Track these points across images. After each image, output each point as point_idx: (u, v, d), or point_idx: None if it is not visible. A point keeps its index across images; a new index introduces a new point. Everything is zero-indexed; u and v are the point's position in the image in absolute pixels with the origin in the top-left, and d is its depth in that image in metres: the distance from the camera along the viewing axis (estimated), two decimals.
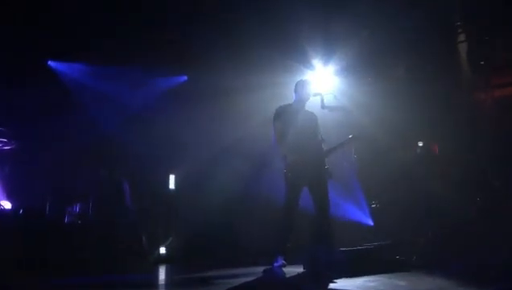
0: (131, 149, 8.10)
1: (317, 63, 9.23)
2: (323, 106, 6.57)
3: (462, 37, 9.59)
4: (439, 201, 8.49)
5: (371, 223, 8.85)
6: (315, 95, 6.69)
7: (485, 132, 9.30)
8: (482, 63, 9.46)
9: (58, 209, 7.85)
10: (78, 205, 7.86)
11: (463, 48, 9.59)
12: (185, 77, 9.41)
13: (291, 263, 6.26)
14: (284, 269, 6.16)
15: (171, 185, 8.54)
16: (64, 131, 7.92)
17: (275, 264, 6.28)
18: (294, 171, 6.42)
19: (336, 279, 5.06)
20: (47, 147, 7.95)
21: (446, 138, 9.42)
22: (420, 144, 9.81)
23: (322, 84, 8.78)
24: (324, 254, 5.73)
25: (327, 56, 9.24)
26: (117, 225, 7.60)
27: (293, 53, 8.84)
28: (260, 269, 6.14)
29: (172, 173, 8.53)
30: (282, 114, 6.59)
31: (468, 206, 8.23)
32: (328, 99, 6.62)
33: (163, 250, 8.11)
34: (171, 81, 9.21)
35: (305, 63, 9.07)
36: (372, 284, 4.61)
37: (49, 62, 8.52)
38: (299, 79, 6.92)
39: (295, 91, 6.77)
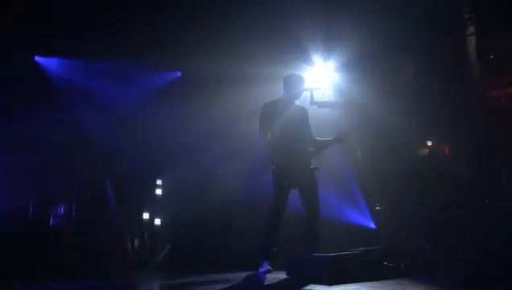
0: (117, 148, 7.86)
1: (316, 57, 8.91)
2: (312, 102, 6.24)
3: (471, 29, 9.16)
4: (444, 204, 8.22)
5: (373, 226, 8.49)
6: (305, 90, 6.37)
7: (497, 131, 8.86)
8: (492, 57, 9.03)
9: (42, 211, 7.62)
10: (62, 206, 7.64)
11: (472, 42, 9.17)
12: (178, 73, 9.10)
13: (277, 268, 5.96)
14: (268, 275, 5.86)
15: (158, 187, 8.22)
16: (47, 129, 7.68)
17: (260, 270, 6.01)
18: (281, 171, 6.12)
19: (316, 286, 4.82)
20: (30, 146, 7.72)
21: (456, 137, 9.07)
22: (429, 143, 9.52)
23: (317, 79, 8.51)
24: (308, 260, 5.40)
25: (327, 51, 8.91)
26: (101, 227, 7.39)
27: (290, 46, 8.50)
28: (244, 274, 5.89)
29: (160, 173, 8.23)
30: (270, 111, 6.31)
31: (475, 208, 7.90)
32: (318, 94, 6.24)
33: (147, 254, 7.80)
34: (163, 78, 8.92)
35: (303, 57, 8.76)
36: None
37: (36, 58, 8.28)
38: (289, 73, 6.59)
39: (285, 85, 6.46)
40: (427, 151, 9.59)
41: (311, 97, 6.30)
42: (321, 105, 6.34)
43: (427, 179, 8.94)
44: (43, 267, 6.96)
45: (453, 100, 9.04)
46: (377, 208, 9.05)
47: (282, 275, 5.62)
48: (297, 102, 6.48)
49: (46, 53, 8.28)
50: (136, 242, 7.63)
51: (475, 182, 8.52)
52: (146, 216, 7.98)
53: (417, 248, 6.33)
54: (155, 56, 8.46)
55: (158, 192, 8.21)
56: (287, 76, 6.48)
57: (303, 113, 6.46)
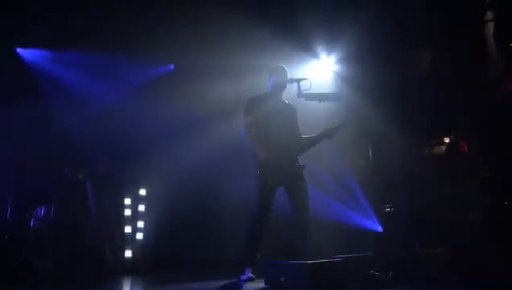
0: (96, 145, 7.72)
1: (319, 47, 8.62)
2: (299, 94, 5.91)
3: (489, 15, 8.68)
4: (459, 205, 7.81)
5: (380, 229, 8.09)
6: (291, 82, 6.05)
7: None
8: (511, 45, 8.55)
9: (21, 213, 7.46)
10: (43, 207, 7.46)
11: (490, 29, 8.68)
12: (172, 66, 8.84)
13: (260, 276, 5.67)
14: (247, 284, 5.61)
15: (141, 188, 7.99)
16: (24, 126, 7.52)
17: (242, 277, 5.78)
18: (266, 170, 5.80)
19: None
20: (6, 143, 7.52)
21: (475, 133, 8.63)
22: (447, 140, 9.09)
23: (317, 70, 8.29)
24: (285, 267, 5.07)
25: (331, 40, 8.58)
26: (80, 230, 7.25)
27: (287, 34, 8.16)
28: (224, 282, 5.76)
29: (144, 173, 7.97)
30: (255, 105, 6.05)
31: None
32: (305, 85, 5.89)
33: (127, 258, 7.53)
34: (153, 71, 8.63)
35: (305, 48, 8.47)
36: None
37: (17, 49, 8.09)
38: (274, 65, 6.32)
39: (270, 78, 6.22)
40: (444, 148, 9.21)
41: (299, 88, 5.90)
42: (309, 97, 5.94)
43: (443, 178, 8.58)
44: (23, 273, 6.79)
45: (472, 92, 8.61)
46: (386, 209, 8.71)
47: (261, 284, 5.36)
48: (285, 98, 6.23)
49: (27, 44, 8.03)
50: (114, 246, 7.38)
51: (494, 182, 8.06)
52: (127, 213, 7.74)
53: (410, 254, 5.90)
54: (146, 48, 8.15)
55: (142, 192, 7.93)
56: (271, 68, 6.27)
57: (290, 110, 6.24)
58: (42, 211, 7.49)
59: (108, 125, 7.72)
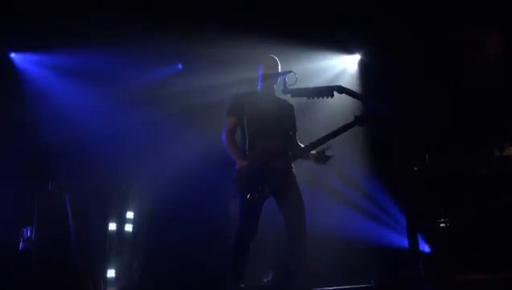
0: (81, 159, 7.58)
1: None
2: (285, 90, 5.28)
3: None
4: None
5: (427, 249, 7.37)
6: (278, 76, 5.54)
7: None
8: None
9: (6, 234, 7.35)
10: (29, 227, 7.31)
11: None
12: (179, 66, 8.56)
13: None
14: None
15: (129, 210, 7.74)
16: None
17: None
18: (245, 184, 5.23)
19: None
20: None
21: None
22: None
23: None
24: None
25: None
26: (61, 253, 7.11)
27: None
28: None
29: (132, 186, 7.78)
30: (242, 102, 5.55)
31: None
32: (291, 80, 5.27)
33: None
34: (159, 72, 8.35)
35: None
36: None
37: (11, 54, 8.03)
38: (261, 56, 5.84)
39: (260, 72, 5.71)
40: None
41: (284, 83, 5.28)
42: (296, 93, 5.28)
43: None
44: None
45: None
46: (441, 225, 7.92)
47: None
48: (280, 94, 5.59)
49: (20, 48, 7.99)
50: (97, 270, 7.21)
51: None
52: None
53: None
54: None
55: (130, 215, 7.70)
56: (262, 59, 5.76)
57: (285, 108, 5.72)
58: (29, 232, 7.31)
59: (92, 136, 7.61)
